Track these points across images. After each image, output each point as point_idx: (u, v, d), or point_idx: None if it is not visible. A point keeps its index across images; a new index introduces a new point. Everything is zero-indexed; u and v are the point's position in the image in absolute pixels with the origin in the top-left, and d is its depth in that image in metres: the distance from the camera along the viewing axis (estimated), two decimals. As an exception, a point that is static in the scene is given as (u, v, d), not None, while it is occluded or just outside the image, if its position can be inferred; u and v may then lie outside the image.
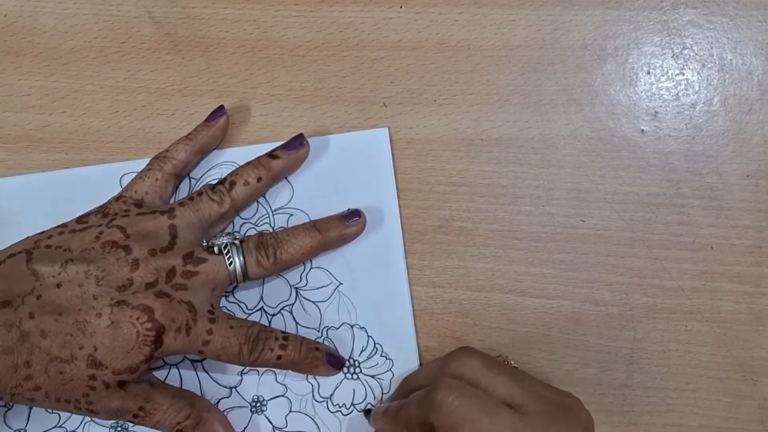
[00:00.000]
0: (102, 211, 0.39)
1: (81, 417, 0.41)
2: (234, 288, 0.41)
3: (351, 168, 0.42)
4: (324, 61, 0.43)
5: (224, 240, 0.38)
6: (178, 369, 0.41)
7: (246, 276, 0.38)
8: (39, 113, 0.43)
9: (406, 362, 0.41)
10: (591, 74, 0.42)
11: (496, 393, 0.33)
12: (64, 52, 0.43)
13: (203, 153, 0.41)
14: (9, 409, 0.41)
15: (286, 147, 0.41)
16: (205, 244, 0.38)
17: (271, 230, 0.41)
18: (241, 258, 0.38)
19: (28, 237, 0.38)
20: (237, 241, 0.38)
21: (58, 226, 0.38)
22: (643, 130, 0.42)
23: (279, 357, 0.38)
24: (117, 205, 0.39)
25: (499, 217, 0.42)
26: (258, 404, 0.41)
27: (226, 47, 0.43)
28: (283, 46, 0.43)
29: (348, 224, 0.40)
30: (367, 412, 0.40)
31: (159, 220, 0.38)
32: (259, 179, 0.40)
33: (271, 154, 0.40)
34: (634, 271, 0.41)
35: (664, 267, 0.41)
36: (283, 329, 0.41)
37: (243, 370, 0.41)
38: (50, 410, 0.40)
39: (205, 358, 0.40)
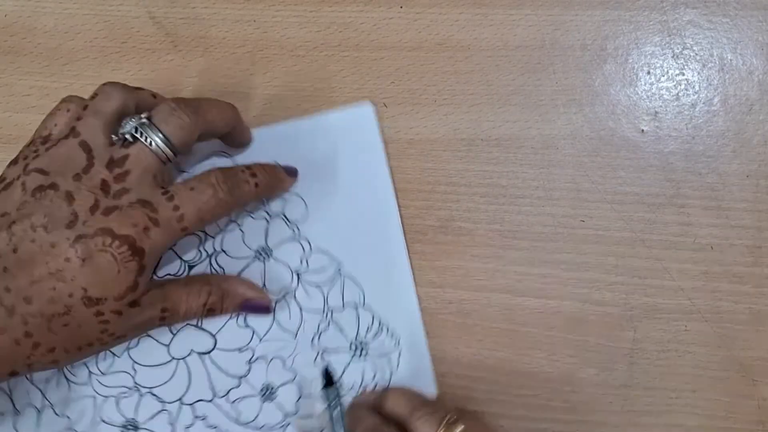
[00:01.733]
0: (13, 160, 0.37)
1: (90, 416, 0.41)
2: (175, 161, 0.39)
3: (338, 150, 0.41)
4: (324, 61, 0.43)
5: (131, 125, 0.35)
6: (186, 363, 0.41)
7: (173, 148, 0.36)
8: (39, 113, 0.43)
9: (412, 337, 0.41)
10: (591, 74, 0.42)
11: None
12: (64, 53, 0.43)
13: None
14: (18, 414, 0.41)
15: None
16: (115, 138, 0.36)
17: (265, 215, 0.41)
18: (159, 134, 0.35)
19: None
20: (145, 119, 0.36)
21: None
22: (643, 130, 0.42)
23: (257, 185, 0.38)
24: (27, 150, 0.37)
25: (499, 217, 0.42)
26: (268, 392, 0.41)
27: (227, 47, 0.43)
28: (283, 46, 0.43)
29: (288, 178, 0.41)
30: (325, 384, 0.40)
31: (67, 145, 0.36)
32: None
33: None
34: (634, 271, 0.41)
35: (664, 267, 0.41)
36: (288, 315, 0.41)
37: (251, 358, 0.41)
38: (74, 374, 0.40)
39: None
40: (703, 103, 0.42)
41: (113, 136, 0.36)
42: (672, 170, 0.42)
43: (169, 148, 0.36)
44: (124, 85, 0.37)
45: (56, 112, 0.38)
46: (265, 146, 0.42)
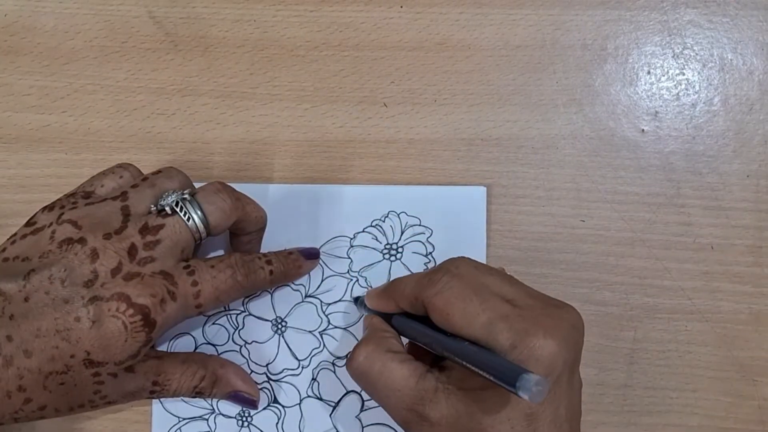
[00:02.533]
0: (49, 206, 0.36)
1: None
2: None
3: (443, 221, 0.42)
4: (324, 61, 0.43)
5: (173, 198, 0.36)
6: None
7: (208, 227, 0.36)
8: (39, 113, 0.43)
9: None
10: (591, 74, 0.42)
11: (489, 288, 0.33)
12: (64, 52, 0.43)
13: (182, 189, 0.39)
14: None
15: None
16: (154, 209, 0.36)
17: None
18: (198, 211, 0.35)
19: None
20: (187, 195, 0.36)
21: (10, 237, 0.36)
22: (643, 130, 0.42)
23: (271, 272, 0.38)
24: (66, 200, 0.37)
25: (499, 217, 0.42)
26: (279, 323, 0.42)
27: (227, 47, 0.43)
28: (284, 46, 0.43)
29: (308, 261, 0.41)
30: (356, 300, 0.41)
31: (111, 206, 0.35)
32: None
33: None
34: (635, 271, 0.41)
35: (665, 267, 0.41)
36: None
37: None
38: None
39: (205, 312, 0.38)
40: (704, 103, 0.42)
41: (152, 206, 0.36)
42: (672, 170, 0.42)
43: (205, 228, 0.36)
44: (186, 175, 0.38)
45: (108, 174, 0.38)
46: (378, 203, 0.42)
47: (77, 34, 0.44)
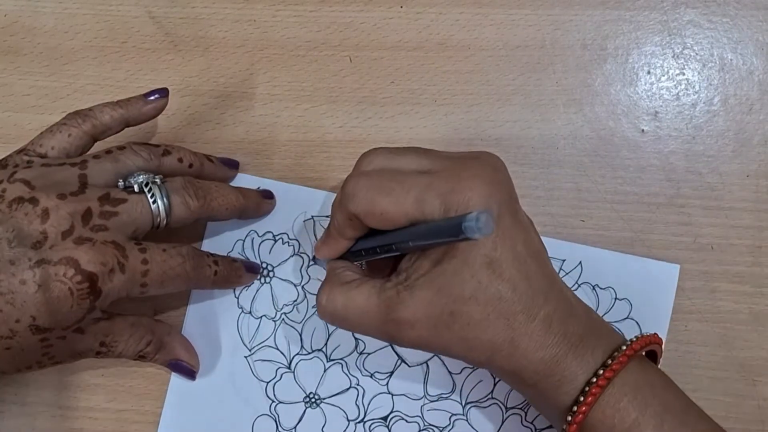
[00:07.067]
0: (1, 164, 0.35)
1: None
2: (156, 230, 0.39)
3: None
4: (324, 61, 0.43)
5: (143, 178, 0.35)
6: None
7: (169, 216, 0.36)
8: (39, 113, 0.43)
9: None
10: (591, 74, 0.42)
11: (405, 169, 0.34)
12: (64, 52, 0.43)
13: (127, 125, 0.39)
14: None
15: (224, 162, 0.41)
16: (121, 184, 0.36)
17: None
18: (165, 199, 0.35)
19: None
20: (158, 180, 0.36)
21: None
22: (643, 130, 0.42)
23: (215, 273, 0.38)
24: (18, 158, 0.36)
25: (499, 217, 0.42)
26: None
27: (226, 47, 0.43)
28: (283, 46, 0.43)
29: (265, 201, 0.41)
30: (313, 260, 0.41)
31: (68, 171, 0.35)
32: (190, 165, 0.38)
33: (208, 157, 0.40)
34: (634, 271, 0.41)
35: (664, 267, 0.41)
36: None
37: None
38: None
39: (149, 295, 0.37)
40: (704, 103, 0.42)
41: (121, 180, 0.36)
42: (672, 170, 0.42)
43: (166, 216, 0.36)
44: (151, 148, 0.38)
45: (56, 133, 0.37)
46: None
47: (77, 34, 0.44)
